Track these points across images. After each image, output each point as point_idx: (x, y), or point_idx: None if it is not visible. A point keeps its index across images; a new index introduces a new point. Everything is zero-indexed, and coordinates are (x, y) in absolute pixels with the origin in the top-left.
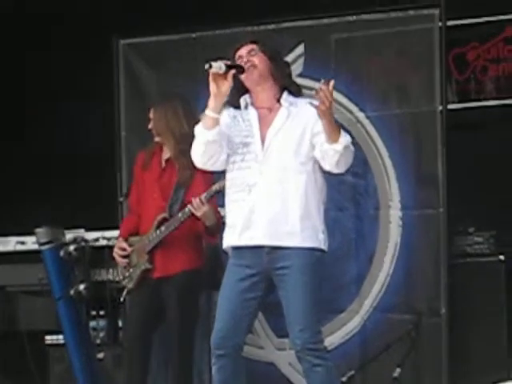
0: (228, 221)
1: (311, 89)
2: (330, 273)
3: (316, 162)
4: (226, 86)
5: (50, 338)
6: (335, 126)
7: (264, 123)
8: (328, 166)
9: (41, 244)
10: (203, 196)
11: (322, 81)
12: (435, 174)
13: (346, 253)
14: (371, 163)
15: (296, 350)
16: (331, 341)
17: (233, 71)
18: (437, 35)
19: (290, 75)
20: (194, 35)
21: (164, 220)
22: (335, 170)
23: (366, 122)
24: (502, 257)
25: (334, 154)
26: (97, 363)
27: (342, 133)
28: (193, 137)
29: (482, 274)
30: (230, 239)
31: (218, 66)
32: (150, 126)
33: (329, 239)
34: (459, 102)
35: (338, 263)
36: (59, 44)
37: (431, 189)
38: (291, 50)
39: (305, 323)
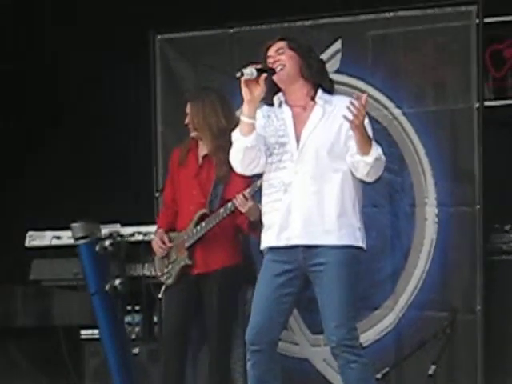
0: (265, 221)
1: (348, 85)
2: (365, 270)
3: None
4: (259, 90)
5: (85, 333)
6: (367, 139)
7: (299, 122)
8: (359, 175)
9: (76, 239)
10: (247, 191)
11: (355, 95)
12: (471, 170)
13: (381, 250)
14: (407, 160)
15: (331, 347)
16: (366, 337)
17: (264, 75)
18: (474, 32)
19: (323, 71)
20: (231, 30)
21: (204, 216)
22: (365, 179)
23: (403, 119)
24: None
25: (364, 166)
26: (132, 358)
27: (374, 145)
28: (230, 132)
29: None
30: (268, 240)
31: (250, 72)
32: (186, 121)
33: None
34: (496, 99)
35: (374, 260)
36: (97, 39)
37: (467, 186)
38: (328, 46)
39: (340, 319)
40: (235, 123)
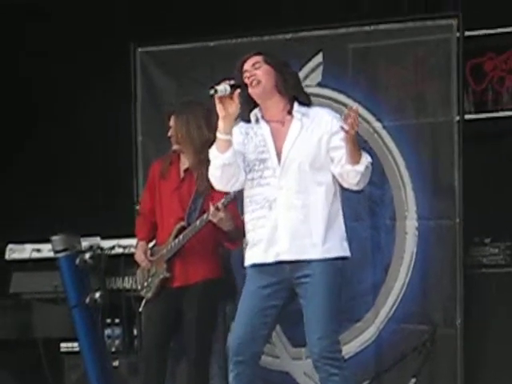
0: (250, 238)
1: (330, 98)
2: (346, 282)
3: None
4: (234, 106)
5: (65, 346)
6: (358, 149)
7: (278, 137)
8: (346, 185)
9: (56, 252)
10: (220, 203)
11: (349, 106)
12: (452, 184)
13: (361, 263)
14: (388, 173)
15: (313, 359)
16: (348, 349)
17: (238, 91)
18: (454, 45)
19: (298, 85)
20: (211, 44)
21: (182, 229)
22: (354, 188)
23: (383, 132)
24: None
25: (355, 175)
26: (112, 371)
27: (363, 153)
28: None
29: (497, 284)
30: (255, 256)
31: (223, 89)
32: (169, 134)
33: None
34: (476, 112)
35: (354, 273)
36: (76, 51)
37: (447, 199)
38: (310, 59)
39: (323, 332)
40: None
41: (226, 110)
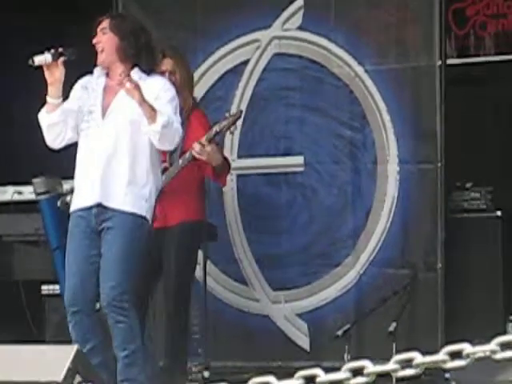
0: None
1: (310, 42)
2: (326, 226)
3: None
4: (58, 73)
5: (46, 288)
6: (149, 110)
7: (110, 93)
8: (156, 144)
9: (38, 194)
10: (203, 139)
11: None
12: (433, 128)
13: (342, 207)
14: (369, 117)
15: (103, 305)
16: (327, 294)
17: (62, 58)
18: None
19: (139, 54)
20: None
21: (165, 170)
22: (161, 147)
23: (365, 76)
24: (499, 212)
25: (154, 134)
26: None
27: (160, 114)
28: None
29: (478, 229)
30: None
31: (43, 59)
32: (167, 76)
33: (325, 192)
34: (458, 57)
35: (334, 217)
36: None
37: (429, 144)
38: (291, 2)
39: (116, 281)
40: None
41: (52, 76)
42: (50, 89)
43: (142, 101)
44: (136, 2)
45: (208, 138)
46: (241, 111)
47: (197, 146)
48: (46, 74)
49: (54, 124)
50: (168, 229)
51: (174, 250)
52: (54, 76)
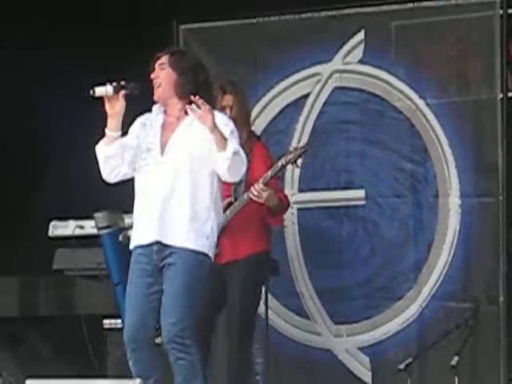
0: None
1: (371, 75)
2: (387, 260)
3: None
4: (119, 106)
5: (108, 323)
6: (221, 137)
7: (168, 129)
8: (221, 173)
9: (99, 228)
10: (260, 182)
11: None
12: (495, 161)
13: (404, 240)
14: (430, 151)
15: (164, 342)
16: (389, 328)
17: (123, 91)
18: (497, 23)
19: (197, 89)
20: (254, 21)
21: (229, 204)
22: (228, 178)
23: (426, 110)
24: None
25: (224, 161)
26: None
27: (230, 142)
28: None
29: None
30: (136, 240)
31: (104, 90)
32: (228, 113)
33: (386, 226)
34: None
35: (397, 250)
36: (119, 29)
37: (491, 177)
38: (351, 36)
39: (177, 317)
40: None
41: (112, 109)
42: (109, 121)
43: (214, 126)
44: (197, 37)
45: (264, 181)
46: (307, 144)
47: (254, 190)
48: (107, 106)
49: (111, 156)
50: (236, 262)
51: (240, 282)
52: (115, 109)
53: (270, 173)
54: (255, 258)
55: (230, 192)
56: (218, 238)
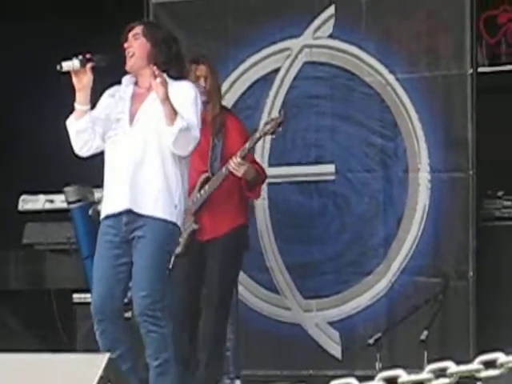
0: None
1: (341, 50)
2: (357, 235)
3: None
4: (86, 79)
5: (77, 297)
6: (171, 111)
7: (138, 101)
8: (170, 146)
9: (69, 203)
10: (238, 155)
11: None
12: (465, 136)
13: (374, 215)
14: (400, 125)
15: (135, 314)
16: (358, 303)
17: (90, 64)
18: None
19: (170, 61)
20: None
21: (207, 180)
22: (174, 151)
23: (396, 85)
24: None
25: (170, 136)
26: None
27: (180, 117)
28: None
29: (510, 237)
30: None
31: (71, 65)
32: (203, 84)
33: (356, 201)
34: (489, 65)
35: (366, 225)
36: (89, 3)
37: (461, 152)
38: (322, 11)
39: (147, 290)
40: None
41: (80, 83)
42: (77, 95)
43: (166, 98)
44: (167, 11)
45: (242, 154)
46: (283, 114)
47: (233, 163)
48: (74, 80)
49: (82, 131)
50: (217, 239)
51: (220, 256)
52: (82, 82)
53: (247, 145)
54: (235, 232)
55: (206, 167)
56: (198, 214)
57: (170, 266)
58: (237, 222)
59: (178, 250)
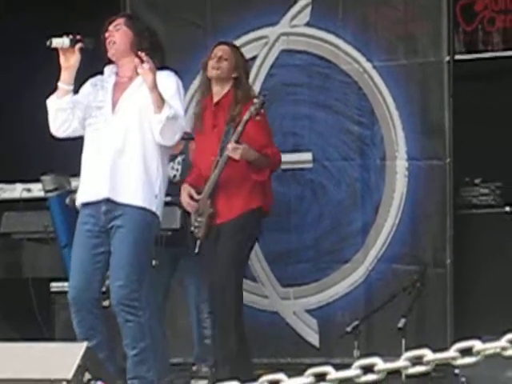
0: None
1: (318, 38)
2: (335, 223)
3: None
4: (74, 59)
5: (55, 286)
6: (159, 98)
7: (119, 89)
8: (155, 136)
9: (47, 191)
10: (233, 139)
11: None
12: (442, 124)
13: (351, 203)
14: (377, 113)
15: (113, 304)
16: (336, 290)
17: (79, 45)
18: None
19: (151, 50)
20: None
21: (217, 164)
22: (161, 141)
23: (373, 72)
24: (507, 208)
25: (157, 124)
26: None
27: (167, 105)
28: None
29: (487, 225)
30: (82, 197)
31: (61, 42)
32: (227, 65)
33: (334, 189)
34: (466, 52)
35: (344, 213)
36: None
37: (438, 139)
38: None
39: (124, 280)
40: None
41: (67, 62)
42: (63, 74)
43: (154, 86)
44: (144, 2)
45: (236, 137)
46: (264, 95)
47: (229, 147)
48: (62, 58)
49: (62, 110)
50: (229, 221)
51: (230, 239)
52: (69, 61)
53: (239, 129)
54: (248, 214)
55: (216, 152)
56: (213, 198)
57: (196, 250)
58: (249, 206)
59: (199, 235)
